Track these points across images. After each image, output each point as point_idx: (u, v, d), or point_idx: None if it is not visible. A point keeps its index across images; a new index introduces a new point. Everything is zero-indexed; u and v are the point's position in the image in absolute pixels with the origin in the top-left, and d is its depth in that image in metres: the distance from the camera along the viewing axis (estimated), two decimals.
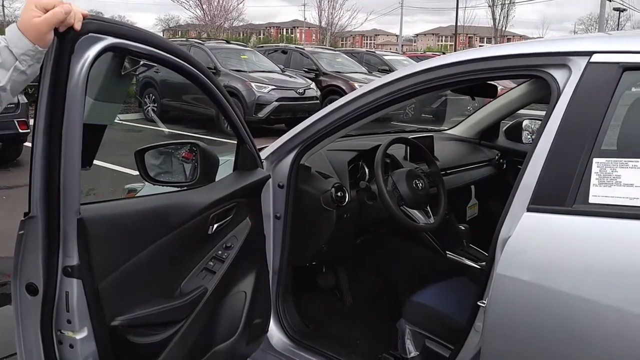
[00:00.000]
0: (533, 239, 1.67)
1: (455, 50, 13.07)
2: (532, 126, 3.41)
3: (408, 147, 2.86)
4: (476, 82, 2.10)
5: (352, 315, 2.95)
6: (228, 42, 13.91)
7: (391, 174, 2.49)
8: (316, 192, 2.38)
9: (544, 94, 3.08)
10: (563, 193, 1.60)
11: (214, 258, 1.98)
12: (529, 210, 1.69)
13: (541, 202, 1.68)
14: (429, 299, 2.32)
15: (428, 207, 2.56)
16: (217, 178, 2.12)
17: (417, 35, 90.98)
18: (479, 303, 1.82)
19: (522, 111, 3.41)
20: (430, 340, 2.23)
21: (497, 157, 3.38)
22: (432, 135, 3.09)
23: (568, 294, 1.55)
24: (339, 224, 2.43)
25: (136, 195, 2.78)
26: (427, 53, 23.06)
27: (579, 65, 1.67)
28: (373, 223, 2.66)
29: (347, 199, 2.40)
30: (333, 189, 2.36)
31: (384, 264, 3.03)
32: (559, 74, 1.71)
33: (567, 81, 1.68)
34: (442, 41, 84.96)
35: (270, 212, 2.34)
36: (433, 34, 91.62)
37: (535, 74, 1.80)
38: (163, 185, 2.09)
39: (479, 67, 1.89)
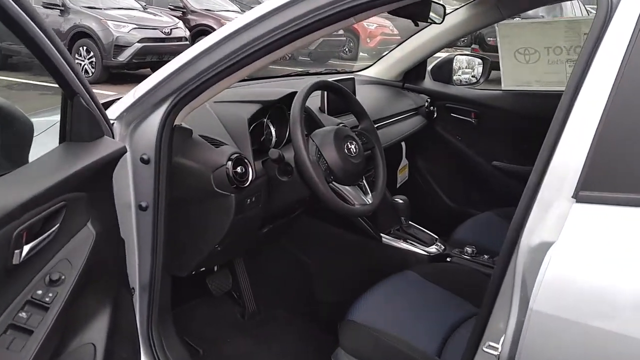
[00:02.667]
0: (604, 245, 0.99)
1: None
2: (466, 64, 2.75)
3: (326, 95, 2.07)
4: None
5: (257, 327, 2.19)
6: None
7: (312, 136, 1.70)
8: (203, 169, 1.55)
9: (493, 18, 2.41)
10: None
11: (30, 305, 1.11)
12: (579, 200, 1.01)
13: (601, 187, 1.00)
14: (370, 315, 1.60)
15: (364, 181, 1.81)
16: (32, 158, 1.24)
17: None
18: (486, 349, 1.13)
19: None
20: None
21: (426, 104, 2.70)
22: (353, 78, 2.31)
23: None
24: (240, 212, 1.62)
25: None
26: None
27: None
28: (288, 207, 1.87)
29: (250, 176, 1.59)
30: (229, 162, 1.54)
31: (299, 255, 2.28)
32: None
33: None
34: None
35: (130, 201, 1.49)
36: None
37: None
38: None
39: None
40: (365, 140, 1.84)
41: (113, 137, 1.35)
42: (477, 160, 2.76)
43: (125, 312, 1.45)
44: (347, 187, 1.73)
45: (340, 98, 1.85)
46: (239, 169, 1.57)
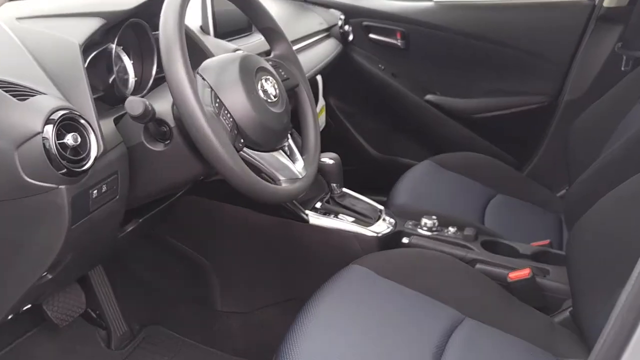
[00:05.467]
0: None
1: None
2: None
3: (210, 5, 1.34)
4: None
5: (132, 357, 1.50)
6: None
7: (200, 72, 0.99)
8: None
9: None
10: None
11: None
12: None
13: None
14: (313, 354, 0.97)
15: (289, 140, 1.13)
16: None
17: None
18: None
19: None
20: None
21: (340, 22, 2.02)
22: None
23: None
24: (81, 215, 0.90)
25: None
26: None
27: None
28: (165, 192, 1.15)
29: (93, 149, 0.86)
30: (48, 127, 0.80)
31: (186, 251, 1.57)
32: None
33: None
34: None
35: None
36: None
37: None
38: None
39: None
40: (285, 75, 1.15)
41: None
42: (406, 94, 2.17)
43: None
44: (263, 155, 1.04)
45: (239, 5, 1.12)
46: (69, 138, 0.83)
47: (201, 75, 0.98)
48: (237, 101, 0.96)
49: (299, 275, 1.48)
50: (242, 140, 0.97)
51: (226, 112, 0.95)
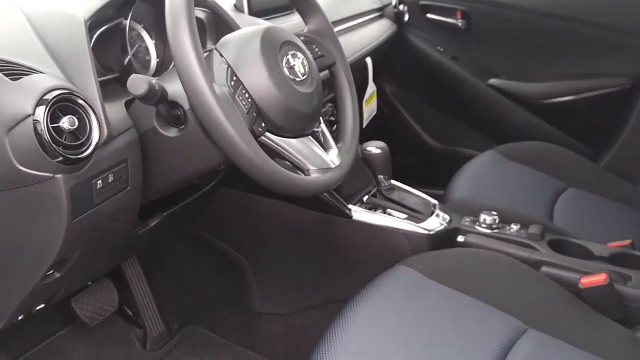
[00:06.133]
0: None
1: None
2: None
3: None
4: None
5: (169, 357, 1.43)
6: None
7: (218, 48, 0.87)
8: None
9: None
10: None
11: None
12: None
13: None
14: None
15: (321, 126, 1.01)
16: None
17: None
18: None
19: None
20: None
21: (394, 2, 1.88)
22: None
23: None
24: (84, 209, 0.82)
25: None
26: None
27: None
28: (185, 183, 1.05)
29: (94, 135, 0.77)
30: (40, 108, 0.72)
31: (224, 247, 1.48)
32: None
33: None
34: None
35: None
36: None
37: None
38: None
39: None
40: (319, 52, 1.03)
41: None
42: (467, 78, 2.00)
43: None
44: (290, 141, 0.92)
45: None
46: (65, 122, 0.74)
47: (219, 52, 0.87)
48: (256, 79, 0.84)
49: (341, 275, 1.36)
50: (262, 124, 0.85)
51: (244, 91, 0.83)
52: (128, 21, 0.96)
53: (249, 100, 0.83)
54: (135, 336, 1.47)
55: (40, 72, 0.78)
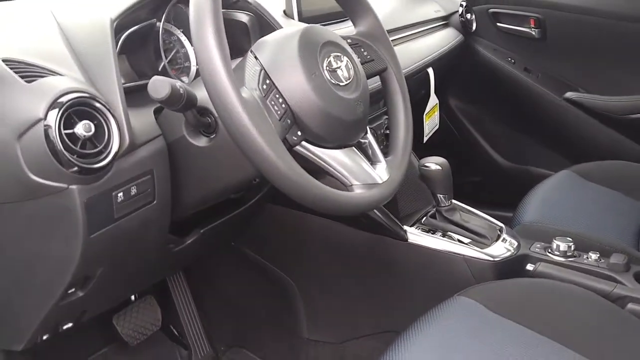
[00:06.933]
0: None
1: None
2: None
3: None
4: None
5: None
6: None
7: (253, 51, 0.80)
8: None
9: None
10: None
11: None
12: None
13: None
14: None
15: (368, 137, 0.91)
16: None
17: None
18: None
19: None
20: None
21: (461, 10, 1.79)
22: None
23: None
24: (103, 224, 0.76)
25: None
26: None
27: None
28: (219, 197, 0.98)
29: (113, 143, 0.71)
30: (53, 112, 0.67)
31: (272, 269, 1.41)
32: None
33: None
34: None
35: None
36: None
37: None
38: None
39: None
40: (368, 56, 0.94)
41: None
42: (542, 92, 1.88)
43: None
44: (331, 152, 0.83)
45: None
46: (79, 128, 0.68)
47: (254, 54, 0.79)
48: (292, 82, 0.76)
49: (395, 303, 1.26)
50: (298, 132, 0.77)
51: (277, 96, 0.75)
52: (161, 24, 0.90)
53: (283, 105, 0.75)
54: (181, 356, 1.42)
55: (58, 74, 0.73)
